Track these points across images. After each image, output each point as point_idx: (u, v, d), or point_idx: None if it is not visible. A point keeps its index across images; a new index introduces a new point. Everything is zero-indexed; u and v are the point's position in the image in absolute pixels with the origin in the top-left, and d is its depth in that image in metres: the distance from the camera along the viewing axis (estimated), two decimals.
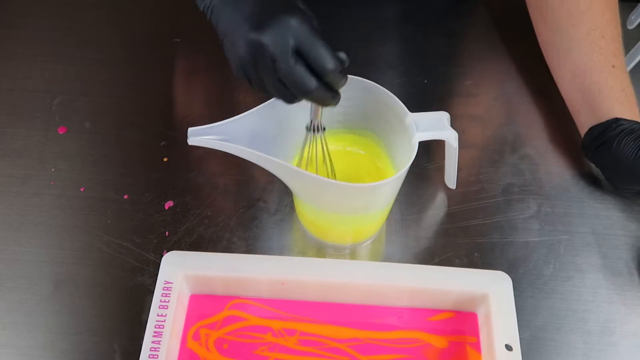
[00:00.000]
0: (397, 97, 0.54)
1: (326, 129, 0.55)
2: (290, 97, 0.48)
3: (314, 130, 0.54)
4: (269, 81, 0.48)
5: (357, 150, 0.61)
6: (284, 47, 0.45)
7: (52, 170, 0.66)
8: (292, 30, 0.45)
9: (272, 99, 0.52)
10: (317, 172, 0.56)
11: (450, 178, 0.64)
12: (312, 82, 0.46)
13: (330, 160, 0.57)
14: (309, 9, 0.49)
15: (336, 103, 0.49)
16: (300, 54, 0.46)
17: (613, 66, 0.63)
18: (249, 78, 0.49)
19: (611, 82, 0.63)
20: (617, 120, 0.61)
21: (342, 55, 0.47)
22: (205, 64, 0.76)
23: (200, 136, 0.50)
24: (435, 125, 0.55)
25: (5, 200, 0.64)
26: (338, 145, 0.61)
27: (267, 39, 0.46)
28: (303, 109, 0.56)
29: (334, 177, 0.58)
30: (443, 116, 0.56)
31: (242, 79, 0.50)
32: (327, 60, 0.46)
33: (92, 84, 0.73)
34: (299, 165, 0.57)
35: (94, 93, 0.72)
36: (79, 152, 0.67)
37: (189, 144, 0.50)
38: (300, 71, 0.46)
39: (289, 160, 0.59)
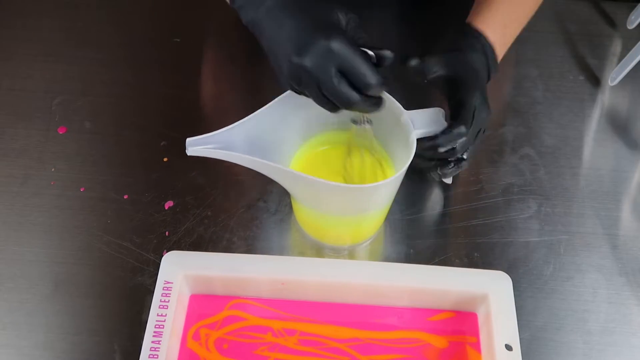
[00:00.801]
0: (396, 97, 0.54)
1: (326, 130, 0.55)
2: (334, 108, 0.50)
3: (360, 123, 0.56)
4: (312, 95, 0.50)
5: (358, 150, 0.61)
6: (326, 70, 0.47)
7: (52, 170, 0.66)
8: (333, 53, 0.47)
9: (268, 104, 0.53)
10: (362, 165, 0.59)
11: None
12: (354, 97, 0.48)
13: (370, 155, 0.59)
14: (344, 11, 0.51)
15: (380, 109, 0.51)
16: (342, 72, 0.48)
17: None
18: (295, 89, 0.51)
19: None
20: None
21: (387, 53, 0.50)
22: (205, 64, 0.76)
23: (198, 146, 0.51)
24: (431, 121, 0.55)
25: (5, 200, 0.64)
26: (338, 146, 0.61)
27: (309, 63, 0.48)
28: (299, 110, 0.56)
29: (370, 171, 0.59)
30: (439, 112, 0.56)
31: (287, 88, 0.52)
32: (368, 78, 0.48)
33: (92, 84, 0.73)
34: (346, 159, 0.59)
35: (94, 93, 0.72)
36: (79, 152, 0.67)
37: (188, 154, 0.50)
38: (344, 89, 0.48)
39: (286, 162, 0.59)
